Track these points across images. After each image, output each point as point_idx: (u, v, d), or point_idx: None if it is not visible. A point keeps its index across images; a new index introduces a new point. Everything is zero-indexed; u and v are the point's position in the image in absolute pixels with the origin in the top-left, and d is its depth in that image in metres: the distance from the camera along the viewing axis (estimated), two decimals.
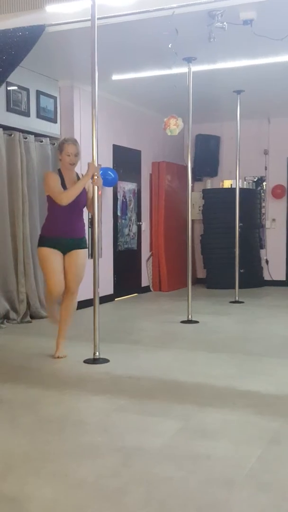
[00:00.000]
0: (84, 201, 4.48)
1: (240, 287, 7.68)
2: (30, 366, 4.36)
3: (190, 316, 6.16)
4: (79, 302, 6.84)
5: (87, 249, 4.62)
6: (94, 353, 4.41)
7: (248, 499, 2.27)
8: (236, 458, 2.64)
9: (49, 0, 4.82)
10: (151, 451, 2.72)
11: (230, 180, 9.17)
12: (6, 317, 6.00)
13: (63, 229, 4.41)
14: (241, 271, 7.86)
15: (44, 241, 4.43)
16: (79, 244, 4.49)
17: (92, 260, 4.51)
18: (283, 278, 9.26)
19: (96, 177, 4.37)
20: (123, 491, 2.32)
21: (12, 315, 6.08)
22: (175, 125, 5.96)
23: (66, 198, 4.33)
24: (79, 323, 6.08)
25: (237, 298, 7.56)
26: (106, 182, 7.13)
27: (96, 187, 4.39)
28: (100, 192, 4.34)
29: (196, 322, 6.08)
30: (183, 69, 5.98)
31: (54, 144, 6.82)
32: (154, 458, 2.65)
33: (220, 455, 2.68)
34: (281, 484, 2.39)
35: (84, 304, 6.76)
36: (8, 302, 6.10)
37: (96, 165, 4.37)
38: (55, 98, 6.84)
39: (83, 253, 4.52)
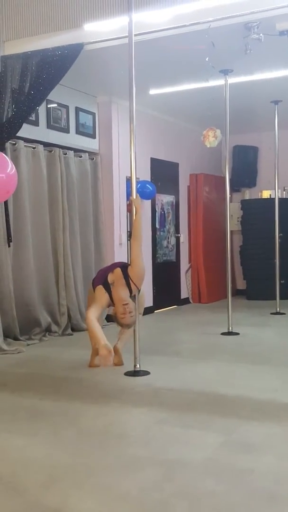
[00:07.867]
0: None
1: (281, 298, 7.58)
2: (72, 378, 4.41)
3: (230, 328, 6.12)
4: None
5: None
6: (135, 365, 4.43)
7: None
8: (280, 473, 2.61)
9: (87, 18, 4.93)
10: (194, 465, 2.71)
11: (269, 191, 9.10)
12: (48, 329, 6.09)
13: None
14: (282, 281, 7.76)
15: None
16: None
17: None
18: None
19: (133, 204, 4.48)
20: (166, 504, 2.32)
21: (54, 327, 6.16)
22: (213, 137, 5.98)
23: None
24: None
25: (278, 309, 7.46)
26: (145, 195, 7.19)
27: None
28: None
29: (237, 334, 6.04)
30: (220, 82, 6.00)
31: (93, 159, 6.92)
32: (196, 472, 2.64)
33: (263, 469, 2.65)
34: None
35: None
36: (49, 315, 6.19)
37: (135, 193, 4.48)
38: (93, 114, 6.95)
39: None
